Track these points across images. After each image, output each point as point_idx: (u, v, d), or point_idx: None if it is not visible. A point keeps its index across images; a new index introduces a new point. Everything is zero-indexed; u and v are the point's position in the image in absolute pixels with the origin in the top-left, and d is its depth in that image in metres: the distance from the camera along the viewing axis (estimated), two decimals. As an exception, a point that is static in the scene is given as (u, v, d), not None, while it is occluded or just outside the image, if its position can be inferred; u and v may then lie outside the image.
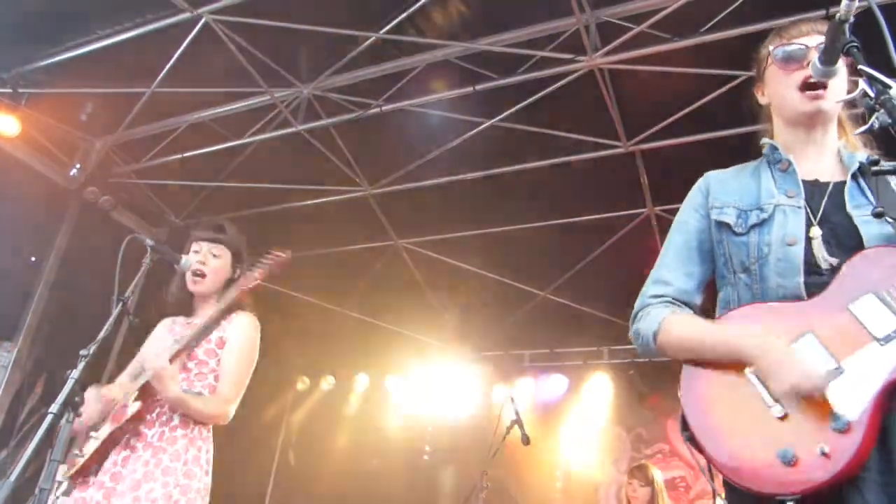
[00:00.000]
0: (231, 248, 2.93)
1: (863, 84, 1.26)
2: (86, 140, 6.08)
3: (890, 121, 1.16)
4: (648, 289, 1.77)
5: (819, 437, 1.35)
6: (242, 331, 2.84)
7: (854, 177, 1.64)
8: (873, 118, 1.21)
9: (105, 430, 2.63)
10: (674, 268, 1.76)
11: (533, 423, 6.52)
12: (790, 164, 1.70)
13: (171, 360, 2.57)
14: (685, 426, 1.53)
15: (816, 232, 1.58)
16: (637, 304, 1.77)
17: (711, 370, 1.55)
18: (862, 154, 1.67)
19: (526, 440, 4.75)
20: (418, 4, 4.61)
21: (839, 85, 1.66)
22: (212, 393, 2.73)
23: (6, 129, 5.32)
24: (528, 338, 7.74)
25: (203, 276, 2.84)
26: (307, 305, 7.46)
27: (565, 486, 7.23)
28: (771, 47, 1.76)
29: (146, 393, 2.63)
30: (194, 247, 2.90)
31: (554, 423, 7.41)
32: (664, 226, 5.66)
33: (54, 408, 2.06)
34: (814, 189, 1.66)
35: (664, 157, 5.11)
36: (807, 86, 1.65)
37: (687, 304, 1.73)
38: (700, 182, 1.84)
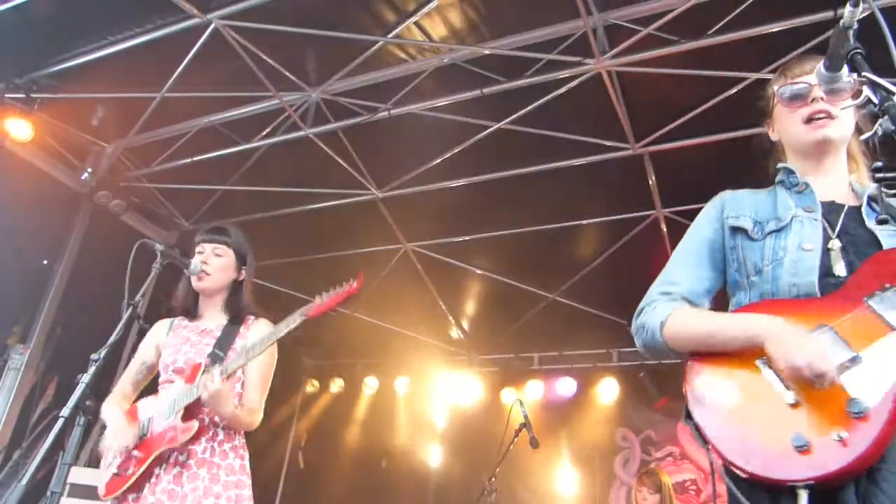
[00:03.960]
0: (233, 247, 2.93)
1: (866, 91, 1.26)
2: (97, 144, 6.13)
3: (893, 128, 1.16)
4: (656, 287, 1.77)
5: (835, 423, 1.32)
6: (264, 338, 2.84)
7: (869, 203, 1.67)
8: (876, 125, 1.21)
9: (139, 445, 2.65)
10: (684, 270, 1.77)
11: (542, 426, 6.51)
12: (807, 186, 1.74)
13: (226, 379, 2.57)
14: (688, 416, 1.51)
15: (836, 244, 1.59)
16: (643, 302, 1.77)
17: (718, 361, 1.53)
18: (874, 187, 1.68)
19: (535, 443, 4.74)
20: (426, 8, 4.63)
21: (847, 117, 1.71)
22: (239, 400, 2.76)
23: (19, 134, 5.37)
24: (537, 340, 7.73)
25: (207, 274, 2.85)
26: (316, 308, 7.47)
27: (574, 489, 7.21)
28: (776, 87, 1.82)
29: (191, 410, 2.64)
30: (198, 248, 2.91)
31: (563, 426, 7.39)
32: (672, 228, 5.67)
33: (65, 411, 2.07)
34: (831, 207, 1.69)
35: (672, 160, 5.10)
36: (811, 119, 1.71)
37: (694, 305, 1.73)
38: (715, 199, 1.86)
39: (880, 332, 1.39)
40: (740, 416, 1.44)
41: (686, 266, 1.78)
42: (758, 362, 1.46)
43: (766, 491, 1.37)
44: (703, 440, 1.46)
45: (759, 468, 1.36)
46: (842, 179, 1.76)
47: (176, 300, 2.95)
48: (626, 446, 7.17)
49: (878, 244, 1.56)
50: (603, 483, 7.10)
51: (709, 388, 1.51)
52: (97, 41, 5.00)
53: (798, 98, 1.74)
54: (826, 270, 1.55)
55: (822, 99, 1.69)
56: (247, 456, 2.77)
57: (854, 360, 1.38)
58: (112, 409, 2.75)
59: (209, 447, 2.65)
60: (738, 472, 1.39)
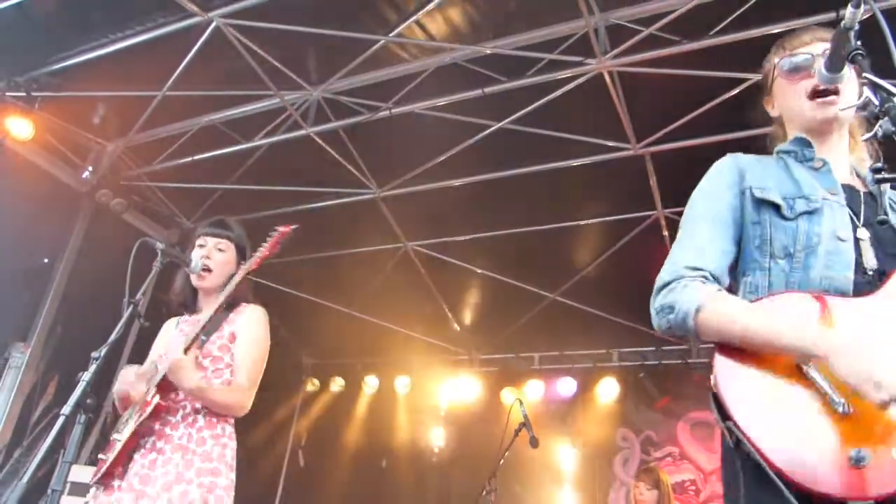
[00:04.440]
0: (235, 241, 2.93)
1: (867, 92, 1.25)
2: (98, 143, 6.13)
3: (894, 129, 1.15)
4: (682, 257, 1.58)
5: (893, 439, 1.25)
6: (253, 321, 2.84)
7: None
8: (877, 126, 1.20)
9: (127, 433, 2.65)
10: (713, 242, 1.59)
11: (542, 426, 6.51)
12: (824, 163, 1.63)
13: (185, 351, 2.56)
14: (725, 416, 1.37)
15: (864, 233, 1.51)
16: (668, 274, 1.57)
17: (757, 359, 1.41)
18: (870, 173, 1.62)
19: (535, 443, 4.74)
20: (428, 7, 4.63)
21: (850, 90, 1.62)
22: (229, 386, 2.73)
23: (20, 133, 5.37)
24: (538, 340, 7.73)
25: (209, 270, 2.85)
26: (316, 307, 7.48)
27: (574, 489, 7.21)
28: (776, 59, 1.73)
29: (164, 390, 2.63)
30: (199, 241, 2.90)
31: (563, 426, 7.39)
32: (673, 228, 5.63)
33: (66, 409, 2.08)
34: (851, 192, 1.61)
35: (673, 160, 5.09)
36: (817, 93, 1.62)
37: (721, 287, 1.58)
38: (727, 161, 1.72)
39: None
40: (784, 421, 1.33)
41: (714, 238, 1.60)
42: (807, 368, 1.36)
43: (804, 500, 1.27)
44: (737, 441, 1.35)
45: (814, 482, 1.26)
46: (845, 159, 1.68)
47: (174, 295, 2.95)
48: (625, 446, 7.17)
49: None
50: (602, 483, 7.09)
51: (747, 387, 1.39)
52: (98, 39, 5.00)
53: (800, 70, 1.65)
54: (858, 265, 1.48)
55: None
56: (231, 446, 2.71)
57: None
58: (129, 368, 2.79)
59: (186, 433, 2.63)
60: (783, 480, 1.28)
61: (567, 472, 7.28)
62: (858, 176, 1.67)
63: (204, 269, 2.83)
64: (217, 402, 2.65)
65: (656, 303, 1.57)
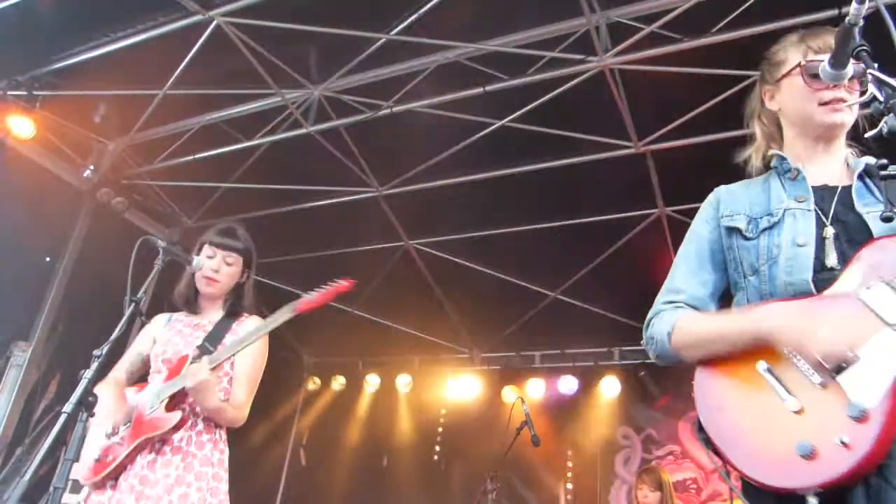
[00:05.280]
0: (243, 255, 2.95)
1: (872, 88, 1.25)
2: (99, 142, 6.13)
3: (898, 125, 1.15)
4: (661, 297, 1.77)
5: (837, 427, 1.32)
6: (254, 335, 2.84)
7: (860, 177, 1.64)
8: (882, 123, 1.20)
9: (123, 432, 2.65)
10: (686, 276, 1.75)
11: (543, 424, 6.51)
12: (799, 172, 1.70)
13: (213, 370, 2.59)
14: (700, 428, 1.51)
15: (829, 231, 1.57)
16: (650, 313, 1.76)
17: (724, 370, 1.53)
18: (869, 158, 1.67)
19: (536, 441, 4.74)
20: (428, 5, 4.62)
21: (855, 97, 1.65)
22: (227, 395, 2.76)
23: (21, 131, 5.38)
24: (539, 338, 7.72)
25: (217, 281, 2.87)
26: (318, 306, 7.48)
27: (575, 487, 7.21)
28: (801, 58, 1.69)
29: (176, 399, 2.65)
30: (208, 251, 2.89)
31: (564, 424, 7.39)
32: (675, 226, 5.66)
33: (68, 407, 2.07)
34: (823, 193, 1.66)
35: (675, 158, 5.09)
36: (829, 102, 1.65)
37: (700, 311, 1.72)
38: (710, 197, 1.85)
39: (875, 327, 1.37)
40: (745, 425, 1.45)
41: (687, 271, 1.76)
42: (759, 368, 1.46)
43: (776, 498, 1.38)
44: (715, 451, 1.47)
45: (768, 477, 1.37)
46: (839, 157, 1.72)
47: (177, 295, 2.96)
48: (627, 444, 7.17)
49: (868, 229, 1.53)
50: (604, 481, 7.09)
51: (715, 398, 1.52)
52: (99, 38, 5.00)
53: (828, 80, 1.56)
54: (821, 263, 1.54)
55: (844, 86, 1.62)
56: (226, 451, 2.75)
57: (853, 359, 1.36)
58: (105, 391, 2.74)
59: (186, 436, 2.65)
60: (749, 481, 1.41)
61: (568, 471, 7.29)
62: (849, 167, 1.70)
63: (213, 280, 2.86)
64: (226, 418, 2.71)
65: (644, 339, 1.76)
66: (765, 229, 1.65)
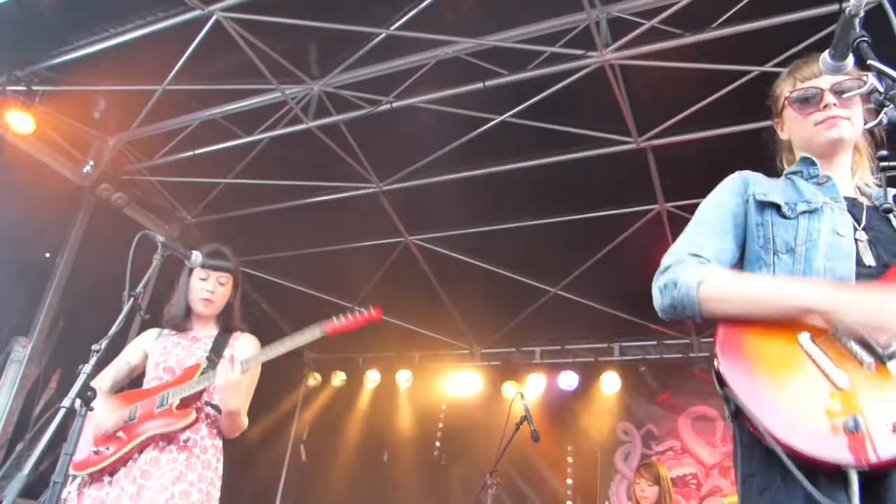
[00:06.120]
0: (233, 273, 3.10)
1: (872, 80, 1.24)
2: (99, 137, 6.13)
3: (899, 117, 1.15)
4: (680, 248, 1.69)
5: (890, 410, 1.31)
6: (249, 351, 2.99)
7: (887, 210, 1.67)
8: (882, 114, 1.20)
9: (123, 426, 2.70)
10: (710, 239, 1.70)
11: (543, 420, 6.52)
12: (829, 178, 1.73)
13: (243, 372, 2.70)
14: (722, 382, 1.44)
15: (863, 235, 1.60)
16: (670, 258, 1.67)
17: (756, 332, 1.49)
18: (881, 191, 1.72)
19: (536, 437, 4.74)
20: (428, 0, 4.61)
21: (857, 115, 1.72)
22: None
23: (21, 127, 5.37)
24: (539, 334, 7.73)
25: (213, 301, 3.01)
26: (317, 301, 7.48)
27: (575, 483, 7.22)
28: (787, 91, 1.81)
29: (186, 402, 2.75)
30: (201, 274, 3.02)
31: (564, 420, 7.40)
32: (675, 222, 5.66)
33: (67, 402, 2.08)
34: (854, 204, 1.70)
35: (675, 153, 5.08)
36: (823, 121, 1.72)
37: None
38: (735, 176, 1.81)
39: None
40: (784, 392, 1.40)
41: (711, 235, 1.70)
42: (802, 339, 1.44)
43: (807, 470, 1.33)
44: (735, 410, 1.42)
45: (812, 448, 1.32)
46: (849, 178, 1.77)
47: (169, 311, 3.06)
48: (627, 440, 7.18)
49: None
50: (604, 477, 7.10)
51: (744, 360, 1.46)
52: (98, 34, 4.99)
53: (809, 103, 1.74)
54: (858, 259, 1.56)
55: (834, 105, 1.70)
56: (222, 461, 2.85)
57: None
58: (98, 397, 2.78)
59: (191, 437, 2.74)
60: (778, 447, 1.34)
61: (568, 466, 7.29)
62: (864, 194, 1.75)
63: (209, 301, 2.99)
64: (237, 423, 2.81)
65: (659, 282, 1.65)
66: (804, 212, 1.65)
